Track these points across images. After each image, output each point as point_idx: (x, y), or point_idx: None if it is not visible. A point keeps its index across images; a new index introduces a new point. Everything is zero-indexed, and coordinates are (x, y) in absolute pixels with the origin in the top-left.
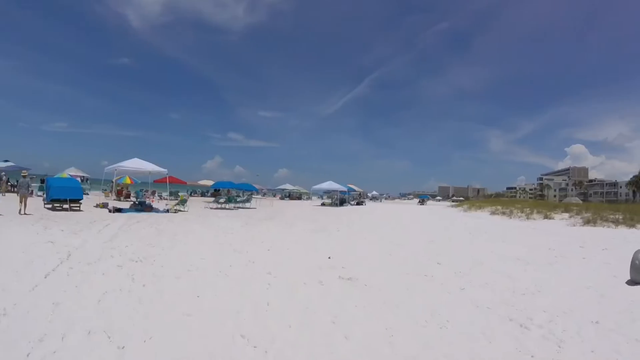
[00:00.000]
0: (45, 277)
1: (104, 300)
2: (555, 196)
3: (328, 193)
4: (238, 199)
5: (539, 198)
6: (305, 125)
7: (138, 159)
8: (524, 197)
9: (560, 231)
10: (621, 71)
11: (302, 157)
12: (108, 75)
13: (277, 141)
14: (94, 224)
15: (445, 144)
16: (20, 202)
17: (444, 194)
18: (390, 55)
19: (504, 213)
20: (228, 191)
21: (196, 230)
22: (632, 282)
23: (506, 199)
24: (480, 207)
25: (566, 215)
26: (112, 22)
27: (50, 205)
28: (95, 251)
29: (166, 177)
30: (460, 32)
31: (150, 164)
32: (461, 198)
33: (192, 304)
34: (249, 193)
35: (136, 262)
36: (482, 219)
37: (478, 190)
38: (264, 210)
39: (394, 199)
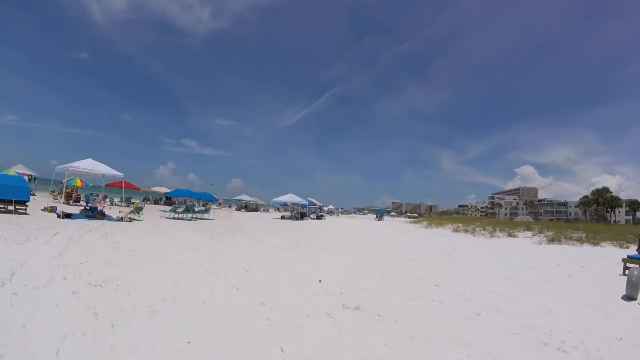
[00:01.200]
0: None
1: (62, 350)
2: (506, 214)
3: (287, 206)
4: (196, 209)
5: (490, 216)
6: (261, 136)
7: (92, 160)
8: (475, 214)
9: (530, 249)
10: (568, 100)
11: (255, 168)
12: (64, 69)
13: (230, 150)
14: (41, 231)
15: (398, 162)
16: None
17: (397, 210)
18: (350, 73)
19: (466, 230)
20: (184, 200)
21: (157, 244)
22: (627, 298)
23: (463, 217)
24: (440, 224)
25: (529, 233)
26: (73, 13)
27: None
28: (44, 269)
29: (121, 182)
30: (418, 55)
31: (105, 166)
32: (415, 214)
33: (183, 356)
34: (208, 203)
35: (95, 286)
36: (447, 236)
37: (431, 207)
38: (224, 222)
39: (349, 213)
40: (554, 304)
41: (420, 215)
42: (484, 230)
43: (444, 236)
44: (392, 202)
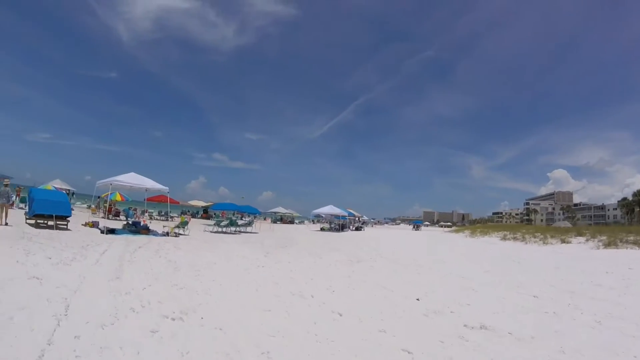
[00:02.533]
0: None
1: None
2: (542, 220)
3: (323, 217)
4: (240, 223)
5: (526, 222)
6: (289, 148)
7: (135, 174)
8: (510, 221)
9: (592, 255)
10: (596, 99)
11: (284, 179)
12: (95, 88)
13: (260, 163)
14: (87, 249)
15: (427, 170)
16: (1, 211)
17: (429, 219)
18: (374, 82)
19: (515, 238)
20: (222, 213)
21: (215, 261)
22: None
23: (501, 225)
24: (485, 233)
25: (581, 238)
26: (101, 34)
27: (32, 221)
28: (103, 298)
29: (160, 196)
30: (441, 61)
31: (149, 180)
32: (449, 223)
33: None
34: (251, 216)
35: (174, 320)
36: (496, 244)
37: (463, 216)
38: (269, 235)
39: (382, 224)
40: None
41: (453, 224)
42: (534, 237)
43: (494, 244)
44: (424, 212)
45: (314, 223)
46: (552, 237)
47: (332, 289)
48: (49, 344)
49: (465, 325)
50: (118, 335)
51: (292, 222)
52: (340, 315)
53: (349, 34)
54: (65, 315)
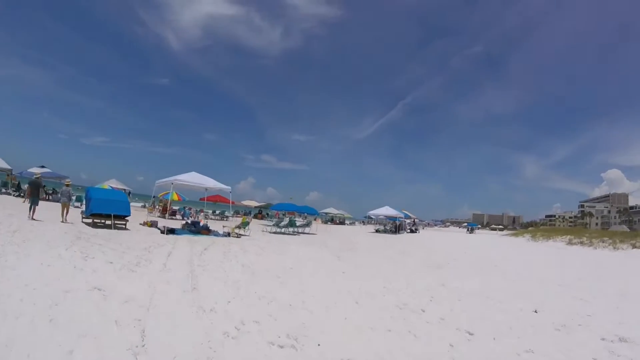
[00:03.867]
0: None
1: None
2: (597, 224)
3: (371, 219)
4: (298, 223)
5: (581, 226)
6: (337, 148)
7: (196, 173)
8: (563, 225)
9: None
10: None
11: (332, 180)
12: (148, 94)
13: (307, 164)
14: (150, 251)
15: (477, 169)
16: (63, 210)
17: (479, 222)
18: (422, 79)
19: (582, 243)
20: (276, 214)
21: (289, 265)
22: None
23: (566, 228)
24: (547, 237)
25: None
26: (152, 43)
27: (89, 220)
28: (184, 317)
29: (221, 196)
30: (490, 55)
31: (210, 179)
32: (500, 226)
33: None
34: (310, 217)
35: (283, 347)
36: (564, 249)
37: (514, 219)
38: (327, 237)
39: (432, 226)
40: None
41: (504, 227)
42: (603, 242)
43: (564, 250)
44: (473, 214)
45: (364, 224)
46: (621, 241)
47: (433, 298)
48: None
49: (603, 339)
50: None
51: (342, 222)
52: (472, 334)
53: (395, 32)
54: (143, 347)
